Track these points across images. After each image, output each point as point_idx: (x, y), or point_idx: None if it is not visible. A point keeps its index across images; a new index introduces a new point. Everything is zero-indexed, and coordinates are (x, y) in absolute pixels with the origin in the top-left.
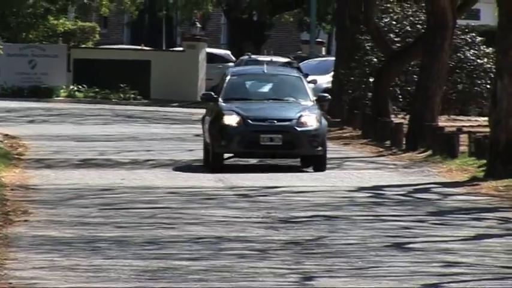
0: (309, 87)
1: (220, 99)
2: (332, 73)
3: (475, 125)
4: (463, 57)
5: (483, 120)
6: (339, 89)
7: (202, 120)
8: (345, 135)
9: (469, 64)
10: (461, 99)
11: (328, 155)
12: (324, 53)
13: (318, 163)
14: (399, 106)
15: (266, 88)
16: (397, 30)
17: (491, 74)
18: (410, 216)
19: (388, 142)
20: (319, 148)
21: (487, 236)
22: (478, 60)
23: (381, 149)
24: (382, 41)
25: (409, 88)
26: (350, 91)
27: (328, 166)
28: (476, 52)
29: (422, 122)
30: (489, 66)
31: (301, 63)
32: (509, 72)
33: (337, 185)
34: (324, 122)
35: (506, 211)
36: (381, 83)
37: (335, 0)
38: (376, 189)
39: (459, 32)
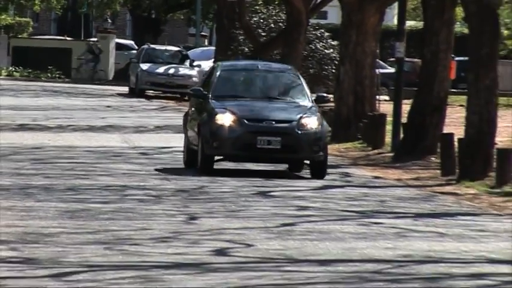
0: (306, 85)
1: (210, 96)
2: (213, 59)
3: None
4: (314, 48)
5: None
6: None
7: (185, 117)
8: None
9: (318, 53)
10: (312, 81)
11: None
12: (206, 44)
13: (318, 169)
14: None
15: (260, 85)
16: (263, 27)
17: (335, 62)
18: (273, 171)
19: None
20: (320, 153)
21: (331, 186)
22: (326, 51)
23: None
24: (252, 35)
25: None
26: None
27: None
28: (324, 44)
29: None
30: (334, 55)
31: (189, 51)
32: (349, 60)
33: None
34: (325, 124)
35: (346, 167)
36: None
37: (215, 2)
38: None
39: (311, 29)
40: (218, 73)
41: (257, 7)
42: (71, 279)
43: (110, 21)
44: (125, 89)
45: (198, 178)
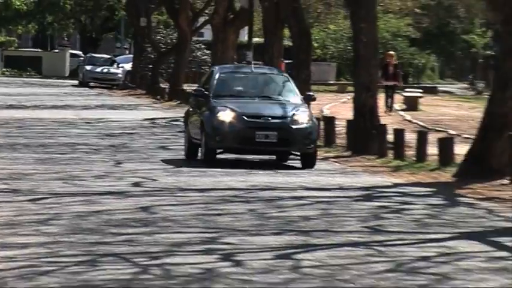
0: (295, 85)
1: (211, 96)
2: (131, 63)
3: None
4: (195, 55)
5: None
6: (135, 70)
7: (186, 114)
8: (137, 94)
9: (198, 59)
10: (194, 76)
11: (127, 103)
12: (127, 53)
13: (309, 160)
14: (164, 78)
15: (255, 86)
16: (163, 42)
17: (209, 64)
18: (168, 133)
19: (158, 97)
20: (311, 146)
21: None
22: (203, 57)
23: (155, 100)
24: (156, 48)
25: (169, 70)
26: (140, 71)
27: (133, 110)
28: (201, 53)
29: (175, 86)
30: (208, 60)
31: (116, 58)
32: (217, 63)
33: (136, 118)
34: (315, 120)
35: None
36: (156, 68)
37: (133, 26)
38: (153, 120)
39: (193, 43)
40: (217, 75)
41: (159, 29)
42: (42, 202)
43: (66, 39)
44: (76, 82)
45: (122, 138)
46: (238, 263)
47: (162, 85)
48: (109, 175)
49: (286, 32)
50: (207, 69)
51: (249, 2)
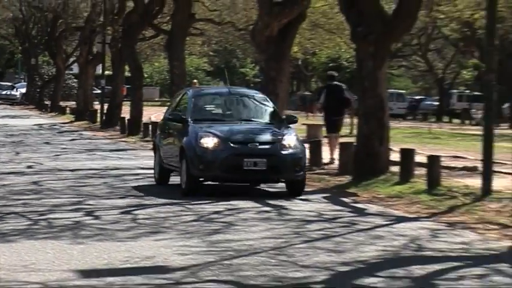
0: (275, 107)
1: (189, 120)
2: (26, 88)
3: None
4: (67, 82)
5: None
6: (28, 92)
7: (156, 138)
8: (29, 108)
9: (69, 85)
10: (67, 96)
11: (23, 114)
12: (23, 81)
13: (298, 187)
14: (46, 98)
15: (235, 109)
16: (46, 74)
17: (76, 88)
18: (50, 133)
19: (43, 110)
20: (301, 173)
21: (80, 138)
22: (72, 84)
23: (41, 112)
24: (42, 78)
25: (50, 92)
26: (31, 93)
27: (26, 119)
28: (71, 81)
29: (54, 103)
30: (76, 85)
31: (16, 84)
32: (82, 88)
33: (28, 124)
34: (303, 144)
35: (82, 131)
36: (41, 91)
37: (26, 64)
38: (40, 125)
39: (67, 75)
40: (193, 99)
41: (44, 66)
42: None
43: None
44: None
45: (26, 137)
46: (96, 217)
47: (45, 102)
48: (11, 161)
49: (127, 67)
50: (76, 91)
51: (102, 48)
